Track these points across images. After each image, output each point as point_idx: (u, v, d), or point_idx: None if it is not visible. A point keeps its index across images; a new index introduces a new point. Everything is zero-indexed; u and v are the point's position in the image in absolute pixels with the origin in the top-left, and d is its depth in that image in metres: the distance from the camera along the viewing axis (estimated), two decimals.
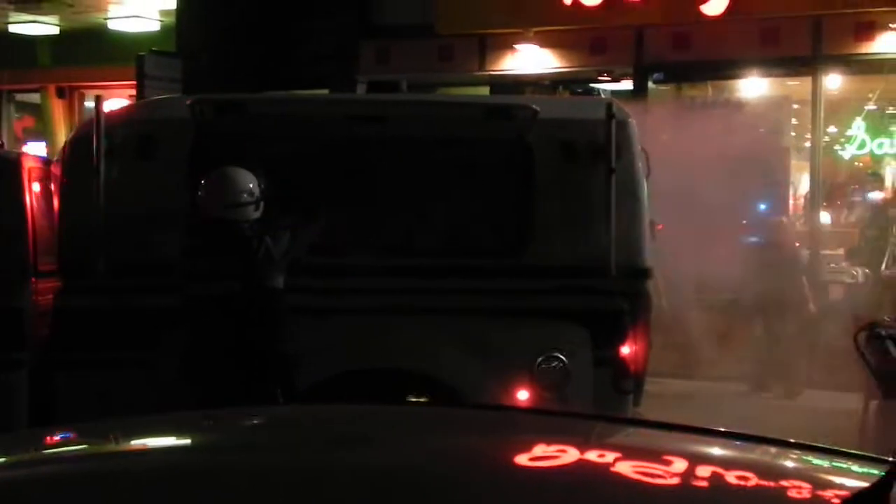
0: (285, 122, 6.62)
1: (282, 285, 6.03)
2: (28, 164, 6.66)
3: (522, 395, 6.37)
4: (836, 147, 14.59)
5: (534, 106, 6.63)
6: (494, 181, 6.71)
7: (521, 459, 2.43)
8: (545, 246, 6.53)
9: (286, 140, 6.61)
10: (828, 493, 2.30)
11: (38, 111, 19.80)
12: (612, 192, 6.43)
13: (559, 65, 14.76)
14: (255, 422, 3.11)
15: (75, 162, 6.53)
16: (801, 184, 14.76)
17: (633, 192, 6.57)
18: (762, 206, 13.33)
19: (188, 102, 6.51)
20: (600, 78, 14.76)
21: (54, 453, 2.73)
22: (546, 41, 14.52)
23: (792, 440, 2.72)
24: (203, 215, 6.07)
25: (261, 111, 6.69)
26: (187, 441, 2.79)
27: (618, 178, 6.45)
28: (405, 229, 6.71)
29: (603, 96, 7.51)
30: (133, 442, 2.73)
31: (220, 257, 5.99)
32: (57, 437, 2.90)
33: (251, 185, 6.06)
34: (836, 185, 14.75)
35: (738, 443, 2.72)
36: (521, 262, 6.54)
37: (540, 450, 2.49)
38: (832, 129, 14.45)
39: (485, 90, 15.06)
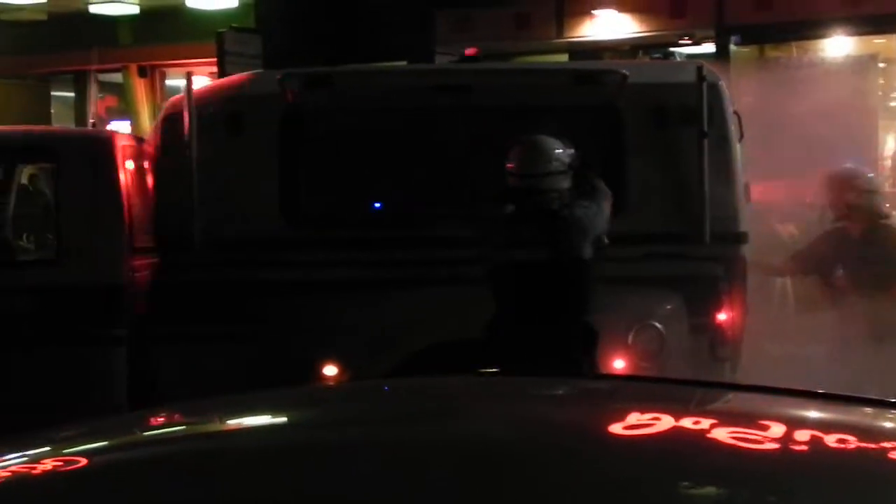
0: (374, 94, 6.62)
1: (590, 256, 5.90)
2: (121, 143, 6.73)
3: (618, 365, 6.32)
4: None
5: (623, 71, 6.55)
6: (584, 148, 6.65)
7: (615, 427, 2.40)
8: (638, 213, 6.46)
9: (376, 112, 6.61)
10: None
11: (121, 90, 20.06)
12: (704, 157, 6.35)
13: (638, 29, 14.61)
14: (343, 396, 3.12)
15: (168, 139, 6.59)
16: (888, 145, 14.47)
17: (726, 155, 6.48)
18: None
19: (277, 77, 6.53)
20: (680, 42, 14.59)
21: (159, 434, 2.74)
22: (625, 5, 14.38)
23: (892, 399, 2.67)
24: (513, 183, 5.92)
25: (349, 84, 6.69)
26: (275, 419, 2.79)
27: (710, 141, 6.36)
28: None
29: (679, 60, 7.42)
30: (217, 421, 2.74)
31: (528, 225, 5.87)
32: (158, 419, 2.92)
33: (562, 153, 5.89)
34: None
35: (837, 404, 2.68)
36: (614, 229, 6.48)
37: (634, 417, 2.46)
38: None
39: (563, 57, 14.96)
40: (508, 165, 5.86)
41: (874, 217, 7.17)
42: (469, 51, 7.77)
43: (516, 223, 5.87)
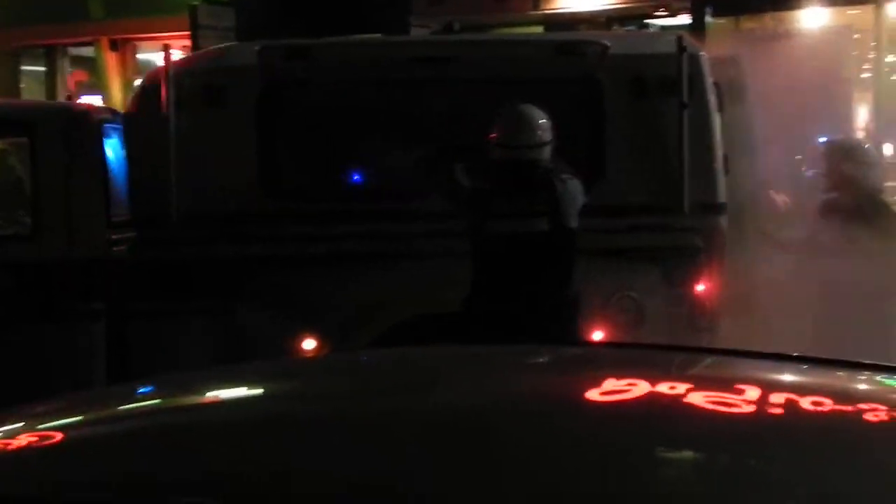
0: (353, 66, 6.58)
1: (577, 226, 5.88)
2: (98, 116, 6.67)
3: (597, 335, 6.33)
4: None
5: (604, 41, 6.54)
6: (564, 119, 6.63)
7: (592, 393, 2.41)
8: (617, 183, 6.46)
9: (355, 84, 6.57)
10: None
11: (92, 65, 19.88)
12: (684, 128, 6.35)
13: (614, 1, 14.60)
14: (319, 369, 3.12)
15: (144, 112, 6.54)
16: (861, 115, 14.52)
17: (706, 126, 6.49)
18: (823, 140, 13.13)
19: (256, 49, 6.49)
20: (656, 13, 14.58)
21: (135, 408, 2.72)
22: None
23: (867, 361, 2.69)
24: (500, 154, 5.85)
25: (328, 56, 6.65)
26: (251, 392, 2.78)
27: (690, 112, 6.37)
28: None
29: (653, 31, 7.42)
30: (194, 394, 2.73)
31: (524, 197, 5.84)
32: (135, 393, 2.90)
33: (546, 123, 5.84)
34: None
35: (812, 367, 2.70)
36: (593, 200, 6.47)
37: (611, 383, 2.47)
38: (893, 58, 14.19)
39: (539, 29, 14.93)
40: (493, 136, 5.82)
41: (868, 190, 7.11)
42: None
43: (503, 195, 5.85)
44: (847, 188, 7.05)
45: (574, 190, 5.84)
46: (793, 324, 6.52)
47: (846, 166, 7.09)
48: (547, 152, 5.82)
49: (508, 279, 5.84)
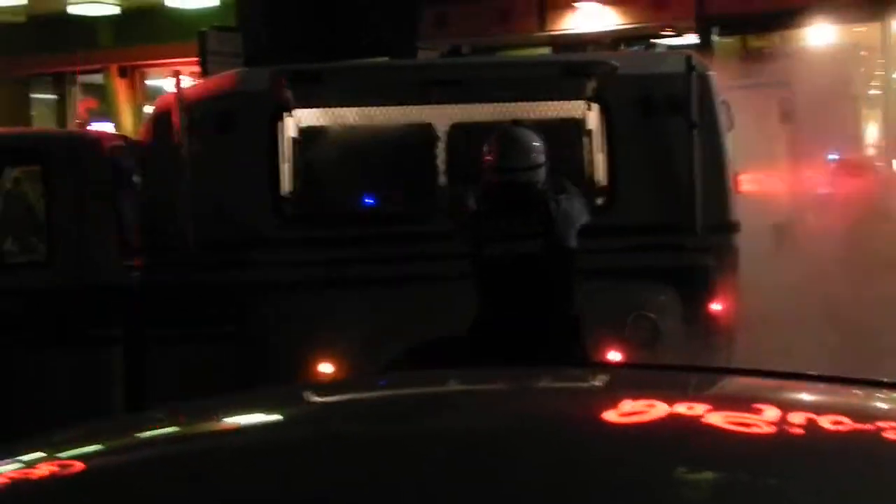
0: (364, 90, 6.61)
1: (576, 246, 5.84)
2: (110, 143, 6.70)
3: (613, 356, 6.33)
4: None
5: (613, 62, 6.56)
6: (574, 140, 6.66)
7: (609, 415, 2.40)
8: (629, 204, 6.47)
9: (366, 108, 6.59)
10: None
11: (102, 91, 19.97)
12: (694, 147, 6.36)
13: (620, 21, 14.64)
14: (336, 393, 3.11)
15: (157, 138, 6.56)
16: (869, 132, 14.52)
17: (716, 145, 6.49)
18: (831, 157, 13.15)
19: (267, 75, 6.51)
20: (662, 33, 14.61)
21: (154, 436, 2.73)
22: None
23: (886, 380, 2.68)
24: (494, 178, 5.81)
25: (338, 80, 6.67)
26: (270, 417, 2.78)
27: (700, 131, 6.37)
28: None
29: (661, 51, 7.44)
30: (212, 421, 2.72)
31: (518, 218, 5.80)
32: (154, 421, 2.91)
33: (540, 145, 5.81)
34: None
35: (832, 386, 2.69)
36: (606, 221, 6.48)
37: (628, 405, 2.46)
38: None
39: (545, 51, 14.97)
40: (486, 159, 5.80)
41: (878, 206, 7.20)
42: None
43: (498, 218, 5.84)
44: (856, 204, 7.14)
45: (571, 209, 5.82)
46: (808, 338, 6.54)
47: (856, 181, 7.19)
48: (541, 174, 5.79)
49: (506, 301, 5.82)
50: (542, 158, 5.78)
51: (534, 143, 5.78)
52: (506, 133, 5.83)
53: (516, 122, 5.98)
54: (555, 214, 5.75)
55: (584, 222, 5.86)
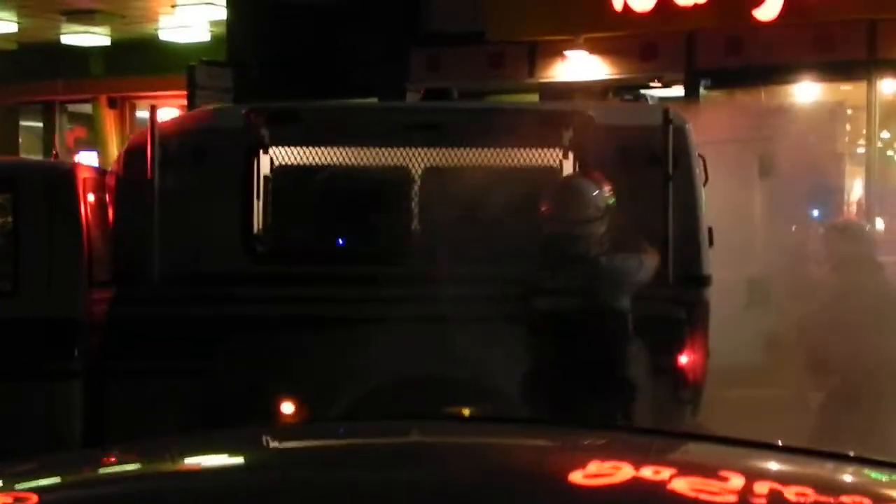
0: (342, 130, 6.60)
1: (628, 307, 5.75)
2: (82, 175, 6.67)
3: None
4: (892, 152, 14.40)
5: (590, 112, 6.56)
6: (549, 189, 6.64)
7: (574, 476, 2.37)
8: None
9: (343, 148, 6.58)
10: None
11: (90, 121, 19.99)
12: (669, 199, 6.35)
13: (610, 71, 14.69)
14: (296, 438, 3.08)
15: (130, 171, 6.53)
16: (854, 190, 14.57)
17: (690, 198, 6.49)
18: (816, 214, 13.17)
19: (243, 112, 6.51)
20: (651, 84, 14.67)
21: (111, 473, 2.70)
22: (596, 47, 14.45)
23: (852, 454, 2.66)
24: (549, 229, 5.81)
25: (315, 119, 6.67)
26: (230, 460, 2.75)
27: (675, 184, 6.36)
28: (459, 238, 6.65)
29: (650, 102, 7.45)
30: (170, 460, 2.70)
31: (564, 272, 5.73)
32: (111, 457, 2.88)
33: (598, 198, 5.76)
34: (891, 191, 14.54)
35: (795, 457, 2.66)
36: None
37: (594, 467, 2.43)
38: (886, 134, 14.27)
39: (534, 97, 15.01)
40: (544, 209, 5.75)
41: (867, 266, 7.14)
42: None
43: (548, 269, 5.75)
44: (845, 267, 7.08)
45: (624, 267, 5.71)
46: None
47: (842, 246, 7.14)
48: (597, 227, 5.70)
49: (550, 354, 5.71)
50: (598, 213, 5.69)
51: (592, 196, 5.72)
52: (562, 182, 5.79)
53: (583, 173, 5.91)
54: (601, 272, 5.67)
55: (642, 282, 5.76)
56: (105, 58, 19.18)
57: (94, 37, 18.64)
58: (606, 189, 5.80)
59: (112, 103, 19.30)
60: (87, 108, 19.88)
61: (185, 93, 15.57)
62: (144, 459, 2.72)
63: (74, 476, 2.55)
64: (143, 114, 19.37)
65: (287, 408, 6.28)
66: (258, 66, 15.76)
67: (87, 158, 17.77)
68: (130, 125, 19.13)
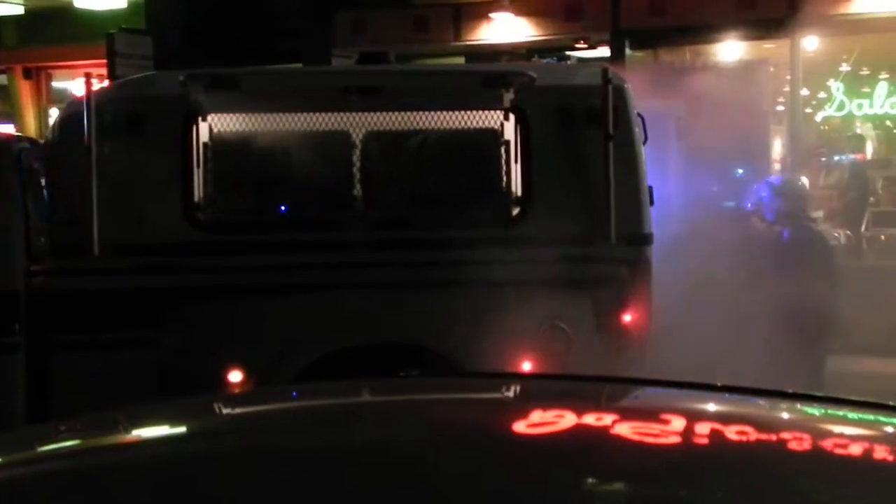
0: (280, 96, 6.53)
1: None
2: (18, 146, 6.53)
3: (526, 366, 6.33)
4: (813, 109, 14.62)
5: (531, 73, 6.56)
6: (491, 150, 6.65)
7: (519, 426, 2.40)
8: (544, 214, 6.47)
9: (281, 114, 6.51)
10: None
11: (6, 93, 19.56)
12: (610, 159, 6.39)
13: (535, 33, 14.72)
14: (246, 404, 3.07)
15: (65, 141, 6.41)
16: (777, 147, 14.78)
17: (631, 157, 6.53)
18: (741, 172, 13.33)
19: (180, 78, 6.40)
20: (576, 45, 14.72)
21: (54, 449, 2.65)
22: (521, 9, 14.47)
23: (792, 391, 2.71)
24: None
25: (254, 85, 6.59)
26: (176, 429, 2.72)
27: (615, 144, 6.40)
28: (401, 201, 6.64)
29: (572, 63, 7.51)
30: (115, 433, 2.67)
31: None
32: (54, 433, 2.83)
33: None
34: (814, 148, 14.79)
35: (738, 397, 2.71)
36: (520, 231, 6.49)
37: (537, 415, 2.46)
38: (807, 91, 14.48)
39: (460, 60, 14.99)
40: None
41: (800, 220, 7.55)
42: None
43: None
44: (786, 222, 7.58)
45: None
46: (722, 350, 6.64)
47: (779, 201, 7.60)
48: None
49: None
50: None
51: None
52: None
53: None
54: None
55: None
56: (19, 27, 18.76)
57: (7, 6, 18.21)
58: None
59: (27, 74, 18.91)
60: (1, 79, 19.45)
61: (103, 62, 15.27)
62: (89, 433, 2.68)
63: (16, 454, 2.50)
64: (59, 84, 19.00)
65: (234, 377, 6.24)
66: (179, 33, 15.52)
67: (3, 130, 17.40)
68: (47, 96, 18.76)
